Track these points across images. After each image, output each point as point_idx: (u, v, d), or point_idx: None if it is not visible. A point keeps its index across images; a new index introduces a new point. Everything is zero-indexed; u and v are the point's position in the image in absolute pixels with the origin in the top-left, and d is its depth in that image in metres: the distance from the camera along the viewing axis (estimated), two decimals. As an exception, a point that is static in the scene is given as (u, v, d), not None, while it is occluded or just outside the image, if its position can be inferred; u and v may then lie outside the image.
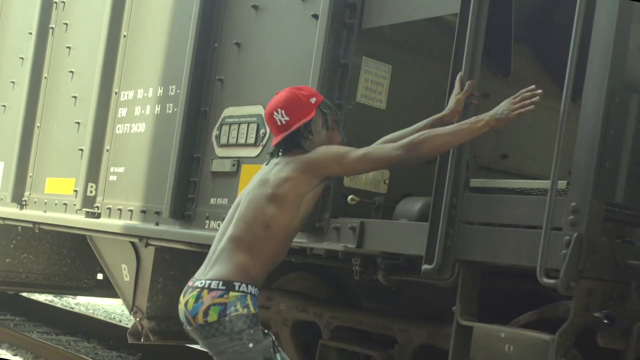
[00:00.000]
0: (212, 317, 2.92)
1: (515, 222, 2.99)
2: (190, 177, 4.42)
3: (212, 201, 4.29)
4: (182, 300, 3.07)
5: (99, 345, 7.39)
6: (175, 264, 4.87)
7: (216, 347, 2.98)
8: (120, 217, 4.93)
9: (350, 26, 3.66)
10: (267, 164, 3.15)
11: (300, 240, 3.60)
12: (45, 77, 5.98)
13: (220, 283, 2.94)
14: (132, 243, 4.86)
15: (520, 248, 2.88)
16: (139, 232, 4.68)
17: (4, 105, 6.43)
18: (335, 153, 2.98)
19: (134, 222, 4.78)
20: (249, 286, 2.94)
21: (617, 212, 2.92)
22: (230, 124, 4.22)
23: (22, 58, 6.22)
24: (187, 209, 4.41)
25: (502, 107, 2.82)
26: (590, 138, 2.75)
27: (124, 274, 5.01)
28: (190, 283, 3.09)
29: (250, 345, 2.90)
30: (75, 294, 9.47)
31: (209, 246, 4.09)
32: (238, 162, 4.14)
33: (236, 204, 3.15)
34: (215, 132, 4.32)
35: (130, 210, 4.84)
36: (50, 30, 6.00)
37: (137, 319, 5.04)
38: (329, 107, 3.10)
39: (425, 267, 3.12)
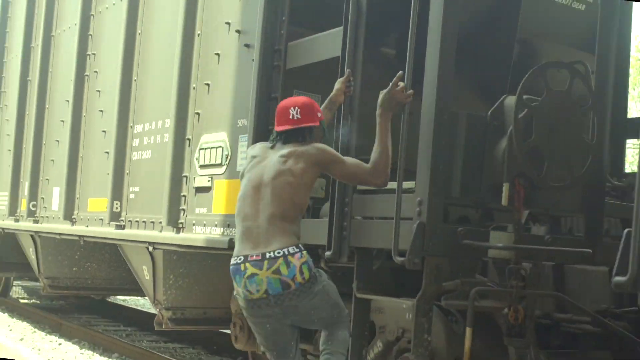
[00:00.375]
0: (307, 274, 3.36)
1: (385, 215, 3.70)
2: (180, 192, 5.32)
3: (196, 211, 5.16)
4: (259, 272, 3.35)
5: (203, 351, 7.47)
6: (182, 263, 5.70)
7: (317, 299, 3.41)
8: (138, 228, 5.88)
9: (278, 67, 4.45)
10: (271, 148, 3.61)
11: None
12: (84, 116, 7.01)
13: (293, 247, 3.37)
14: (147, 248, 5.78)
15: (386, 235, 3.58)
16: (148, 238, 5.60)
17: (57, 140, 7.50)
18: (340, 159, 3.55)
19: (145, 231, 5.71)
20: (298, 238, 3.49)
21: (455, 203, 3.59)
22: (206, 149, 5.08)
23: (67, 101, 7.28)
24: (180, 218, 5.31)
25: (385, 97, 3.48)
26: (426, 147, 3.44)
27: (145, 273, 5.92)
28: (254, 256, 3.37)
29: (324, 280, 3.50)
30: (137, 295, 10.30)
31: (198, 247, 4.99)
32: (212, 178, 4.99)
33: (254, 188, 3.52)
34: (196, 155, 5.19)
35: (144, 222, 5.78)
36: (86, 77, 7.03)
37: (158, 310, 5.95)
38: (323, 126, 3.70)
39: (327, 253, 3.88)
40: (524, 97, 3.46)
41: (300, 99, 3.69)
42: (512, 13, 4.59)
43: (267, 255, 3.36)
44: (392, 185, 3.59)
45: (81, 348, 7.24)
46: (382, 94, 3.52)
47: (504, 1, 4.64)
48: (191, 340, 7.75)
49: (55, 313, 9.49)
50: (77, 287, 8.42)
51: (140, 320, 8.92)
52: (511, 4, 4.58)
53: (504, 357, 3.76)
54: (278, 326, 3.48)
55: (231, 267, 3.49)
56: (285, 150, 3.52)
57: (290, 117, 3.56)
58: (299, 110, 3.56)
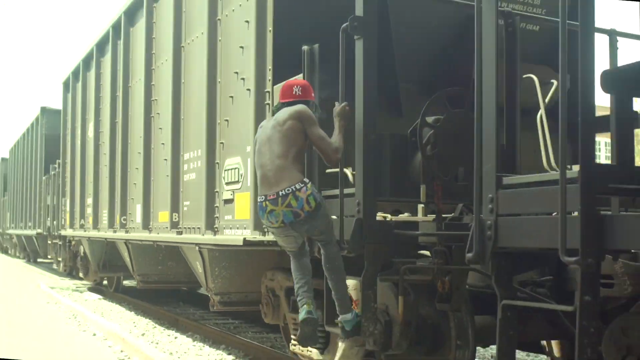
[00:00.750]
0: (313, 203, 3.87)
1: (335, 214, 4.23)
2: (214, 204, 6.01)
3: (225, 217, 5.83)
4: (276, 208, 3.86)
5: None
6: (223, 258, 6.33)
7: (320, 220, 3.92)
8: (190, 233, 6.61)
9: (267, 105, 5.06)
10: (272, 115, 4.18)
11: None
12: (152, 148, 7.83)
13: (299, 183, 3.88)
14: (196, 248, 6.50)
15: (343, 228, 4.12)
16: (196, 240, 6.32)
17: (137, 168, 8.36)
18: (316, 124, 3.99)
19: (194, 235, 6.43)
20: (306, 177, 4.01)
21: (386, 202, 4.09)
22: (228, 170, 5.74)
23: (141, 137, 8.14)
24: (215, 223, 6.00)
25: (339, 111, 4.05)
26: (359, 162, 3.97)
27: (198, 268, 6.64)
28: (271, 196, 3.87)
29: (325, 206, 4.01)
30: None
31: (225, 245, 5.63)
32: (233, 192, 5.65)
33: (263, 143, 4.07)
34: (223, 175, 5.87)
35: (193, 228, 6.51)
36: (152, 118, 7.87)
37: (210, 295, 6.66)
38: (316, 104, 4.27)
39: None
40: (433, 117, 3.93)
41: (301, 81, 4.28)
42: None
43: (280, 193, 3.87)
44: (336, 191, 4.14)
45: (194, 341, 7.25)
46: (335, 110, 4.10)
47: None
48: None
49: (174, 309, 9.88)
50: (163, 282, 9.26)
51: (246, 315, 8.47)
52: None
53: (446, 319, 4.19)
54: (294, 239, 4.08)
55: (258, 204, 4.07)
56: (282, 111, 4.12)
57: (294, 92, 4.14)
58: (300, 88, 4.14)
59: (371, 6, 3.95)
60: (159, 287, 9.69)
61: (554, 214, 2.72)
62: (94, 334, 7.67)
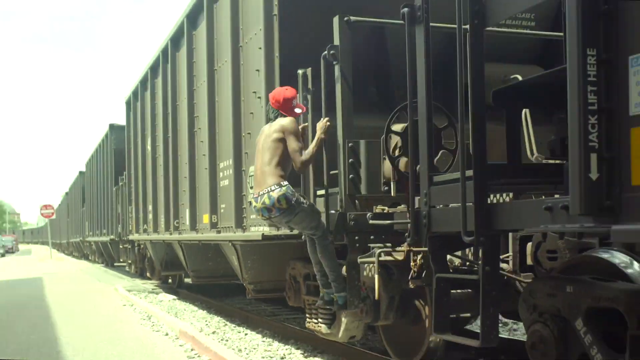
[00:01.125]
0: (284, 202, 4.66)
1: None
2: (242, 205, 6.92)
3: (251, 217, 6.73)
4: (257, 204, 4.76)
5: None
6: (254, 252, 7.19)
7: (299, 217, 4.70)
8: (226, 232, 7.55)
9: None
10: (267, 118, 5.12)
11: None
12: (196, 159, 8.85)
13: (274, 185, 4.72)
14: (231, 244, 7.43)
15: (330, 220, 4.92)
16: (229, 238, 7.25)
17: (185, 177, 9.39)
18: (295, 137, 4.77)
19: (228, 233, 7.37)
20: (284, 180, 4.77)
21: (363, 198, 4.85)
22: (251, 176, 6.62)
23: (186, 149, 9.17)
24: (243, 222, 6.91)
25: (321, 125, 4.85)
26: (342, 163, 4.76)
27: (235, 261, 7.57)
28: (255, 195, 4.77)
29: (304, 209, 4.76)
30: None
31: (249, 240, 6.51)
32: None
33: (258, 149, 4.96)
34: (248, 180, 6.76)
35: (228, 227, 7.44)
36: (195, 132, 8.88)
37: (245, 284, 7.56)
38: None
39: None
40: (400, 125, 4.67)
41: (291, 92, 5.02)
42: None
43: (260, 192, 4.78)
44: (334, 190, 4.94)
45: (263, 337, 7.30)
46: (318, 123, 4.93)
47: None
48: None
49: (246, 306, 10.06)
50: (213, 276, 10.20)
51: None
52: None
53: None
54: (291, 228, 5.00)
55: None
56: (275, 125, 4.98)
57: (292, 105, 5.00)
58: (295, 103, 5.00)
59: (345, 36, 4.74)
60: (210, 282, 10.61)
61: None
62: (166, 334, 7.82)
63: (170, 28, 9.96)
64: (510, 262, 4.51)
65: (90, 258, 29.61)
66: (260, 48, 6.18)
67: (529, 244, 4.23)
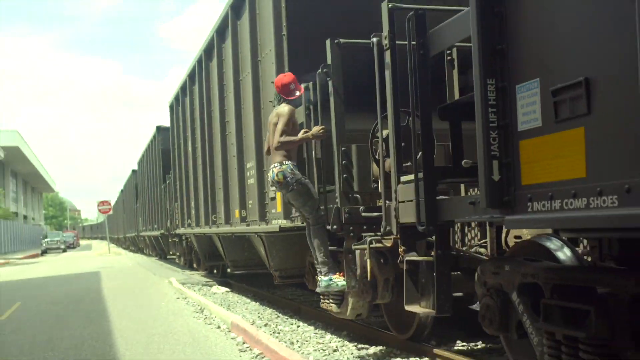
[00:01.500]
0: (280, 177, 5.58)
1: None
2: (265, 201, 7.77)
3: (272, 211, 7.57)
4: (268, 177, 5.90)
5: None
6: (278, 242, 8.00)
7: (291, 191, 5.57)
8: (253, 225, 8.42)
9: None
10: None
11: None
12: (228, 160, 9.76)
13: (276, 163, 5.63)
14: (257, 235, 8.29)
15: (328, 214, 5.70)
16: (254, 230, 8.12)
17: (219, 176, 10.32)
18: (283, 122, 5.58)
19: (255, 226, 8.23)
20: (287, 160, 5.66)
21: (355, 194, 5.61)
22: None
23: (219, 150, 10.09)
24: (266, 216, 7.76)
25: (314, 131, 5.64)
26: (336, 165, 5.53)
27: (262, 251, 8.43)
28: (268, 170, 5.90)
29: (297, 185, 5.61)
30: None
31: (272, 232, 7.35)
32: (275, 191, 7.37)
33: (268, 135, 5.95)
34: (268, 178, 7.60)
35: (254, 221, 8.30)
36: (226, 136, 9.78)
37: (272, 272, 8.42)
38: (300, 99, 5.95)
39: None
40: (385, 131, 5.40)
41: (291, 77, 5.84)
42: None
43: (269, 168, 5.83)
44: (329, 188, 5.72)
45: (315, 329, 7.20)
46: (313, 129, 5.68)
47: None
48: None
49: (299, 297, 10.04)
50: (249, 266, 11.10)
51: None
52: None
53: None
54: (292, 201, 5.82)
55: None
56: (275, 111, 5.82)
57: (290, 89, 5.80)
58: (294, 86, 5.81)
59: (336, 56, 5.50)
60: (246, 271, 11.57)
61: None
62: (218, 327, 7.82)
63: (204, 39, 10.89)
64: (488, 247, 5.21)
65: (145, 252, 31.12)
66: (273, 63, 7.00)
67: (504, 231, 4.92)
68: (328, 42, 5.49)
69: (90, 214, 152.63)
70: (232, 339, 6.97)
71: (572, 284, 3.37)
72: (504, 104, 3.22)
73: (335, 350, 5.97)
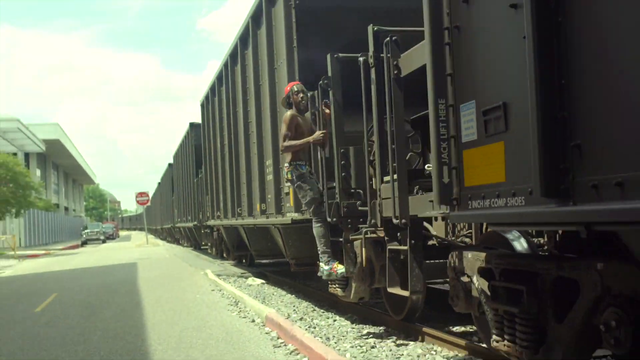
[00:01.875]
0: (289, 175, 6.47)
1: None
2: (280, 195, 8.56)
3: (287, 205, 8.35)
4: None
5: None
6: (293, 233, 8.77)
7: (296, 187, 6.47)
8: (272, 217, 9.22)
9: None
10: None
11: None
12: (250, 157, 10.58)
13: (286, 164, 6.54)
14: (275, 227, 9.09)
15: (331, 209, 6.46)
16: (272, 222, 8.92)
17: (243, 172, 11.17)
18: (286, 127, 6.43)
19: (273, 219, 9.03)
20: (294, 161, 6.50)
21: (357, 190, 6.33)
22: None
23: (243, 148, 10.91)
24: (282, 209, 8.56)
25: (316, 135, 6.42)
26: (336, 165, 6.27)
27: (280, 241, 9.23)
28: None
29: (301, 183, 6.42)
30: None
31: (286, 223, 8.15)
32: (288, 187, 8.15)
33: None
34: (284, 175, 8.39)
35: (272, 213, 9.10)
36: (249, 135, 10.60)
37: (288, 260, 9.21)
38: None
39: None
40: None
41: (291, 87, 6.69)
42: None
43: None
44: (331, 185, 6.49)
45: (352, 323, 6.99)
46: (316, 133, 6.45)
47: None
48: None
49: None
50: (273, 254, 11.95)
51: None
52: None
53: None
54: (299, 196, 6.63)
55: None
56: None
57: (289, 98, 6.64)
58: (291, 94, 6.62)
59: (335, 69, 6.23)
60: (269, 259, 12.33)
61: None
62: (253, 320, 7.65)
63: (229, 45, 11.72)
64: (473, 237, 5.90)
65: (180, 242, 32.32)
66: (285, 71, 7.77)
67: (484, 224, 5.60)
68: (328, 56, 6.23)
69: (130, 206, 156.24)
70: (267, 333, 6.84)
71: (513, 269, 4.06)
72: (451, 119, 3.92)
73: (373, 347, 5.71)
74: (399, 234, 5.35)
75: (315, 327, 6.86)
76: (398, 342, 5.84)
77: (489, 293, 4.30)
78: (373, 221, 5.35)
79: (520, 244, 4.68)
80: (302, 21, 7.43)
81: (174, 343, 6.60)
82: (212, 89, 14.22)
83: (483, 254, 4.44)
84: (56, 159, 54.21)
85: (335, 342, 5.99)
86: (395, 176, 4.76)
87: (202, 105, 16.04)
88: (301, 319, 7.44)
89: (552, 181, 2.95)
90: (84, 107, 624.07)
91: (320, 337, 6.20)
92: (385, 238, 5.33)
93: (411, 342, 5.79)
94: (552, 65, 2.97)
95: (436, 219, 5.67)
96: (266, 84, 8.92)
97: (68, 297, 11.31)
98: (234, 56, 11.41)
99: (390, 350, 5.56)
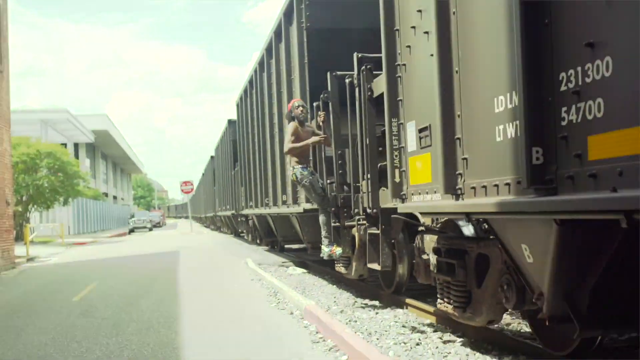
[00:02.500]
0: (294, 177, 7.87)
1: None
2: (297, 188, 9.88)
3: (300, 196, 9.65)
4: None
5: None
6: (307, 221, 10.04)
7: (302, 187, 7.82)
8: (290, 207, 10.55)
9: (308, 132, 8.83)
10: None
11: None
12: (275, 154, 11.92)
13: (292, 166, 7.83)
14: (291, 215, 10.40)
15: (330, 201, 7.75)
16: (290, 211, 10.24)
17: (269, 166, 12.55)
18: (290, 136, 7.74)
19: (290, 208, 10.36)
20: (298, 164, 7.80)
21: (357, 185, 7.60)
22: (300, 168, 9.58)
23: (268, 147, 12.28)
24: (297, 200, 9.88)
25: (317, 139, 7.72)
26: (335, 164, 7.55)
27: (298, 227, 10.53)
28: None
29: (308, 183, 7.76)
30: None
31: (299, 212, 9.52)
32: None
33: None
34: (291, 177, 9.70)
35: (290, 203, 10.42)
36: (273, 134, 11.95)
37: (305, 244, 10.50)
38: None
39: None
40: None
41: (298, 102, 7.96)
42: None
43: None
44: (330, 180, 7.78)
45: (396, 316, 6.61)
46: (317, 136, 7.74)
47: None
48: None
49: (376, 279, 8.37)
50: (297, 239, 12.98)
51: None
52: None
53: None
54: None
55: None
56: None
57: (290, 112, 7.89)
58: (293, 110, 7.88)
59: (334, 85, 7.50)
60: (293, 244, 13.62)
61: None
62: (291, 313, 7.27)
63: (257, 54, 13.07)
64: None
65: (221, 230, 33.95)
66: (298, 83, 9.07)
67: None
68: (328, 74, 7.50)
69: (177, 195, 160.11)
70: (305, 327, 6.43)
71: (451, 247, 5.27)
72: (402, 133, 5.17)
73: (418, 344, 5.30)
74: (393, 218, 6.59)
75: (356, 321, 6.40)
76: (444, 338, 5.43)
77: (437, 266, 5.52)
78: (356, 210, 6.61)
79: (468, 229, 5.86)
80: (311, 39, 8.72)
81: (207, 337, 6.25)
82: (245, 90, 15.62)
83: (435, 237, 5.67)
84: (105, 149, 53.94)
85: (377, 338, 5.56)
86: (368, 175, 6.02)
87: (237, 105, 17.48)
88: (342, 311, 6.99)
89: (450, 183, 4.18)
90: (132, 99, 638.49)
91: (362, 332, 5.79)
92: (366, 224, 6.59)
93: (458, 339, 5.37)
94: (452, 101, 4.20)
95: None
96: (285, 92, 10.24)
97: (108, 285, 10.99)
98: (262, 64, 12.77)
99: (437, 347, 5.15)
